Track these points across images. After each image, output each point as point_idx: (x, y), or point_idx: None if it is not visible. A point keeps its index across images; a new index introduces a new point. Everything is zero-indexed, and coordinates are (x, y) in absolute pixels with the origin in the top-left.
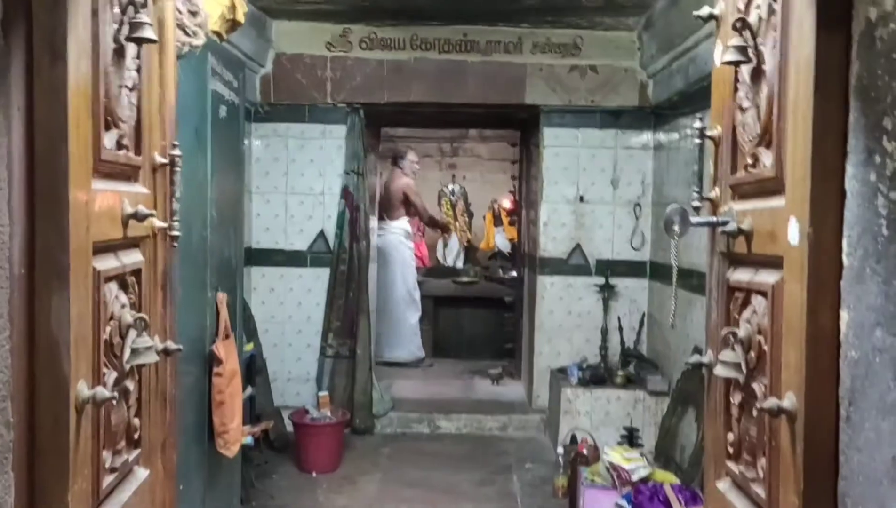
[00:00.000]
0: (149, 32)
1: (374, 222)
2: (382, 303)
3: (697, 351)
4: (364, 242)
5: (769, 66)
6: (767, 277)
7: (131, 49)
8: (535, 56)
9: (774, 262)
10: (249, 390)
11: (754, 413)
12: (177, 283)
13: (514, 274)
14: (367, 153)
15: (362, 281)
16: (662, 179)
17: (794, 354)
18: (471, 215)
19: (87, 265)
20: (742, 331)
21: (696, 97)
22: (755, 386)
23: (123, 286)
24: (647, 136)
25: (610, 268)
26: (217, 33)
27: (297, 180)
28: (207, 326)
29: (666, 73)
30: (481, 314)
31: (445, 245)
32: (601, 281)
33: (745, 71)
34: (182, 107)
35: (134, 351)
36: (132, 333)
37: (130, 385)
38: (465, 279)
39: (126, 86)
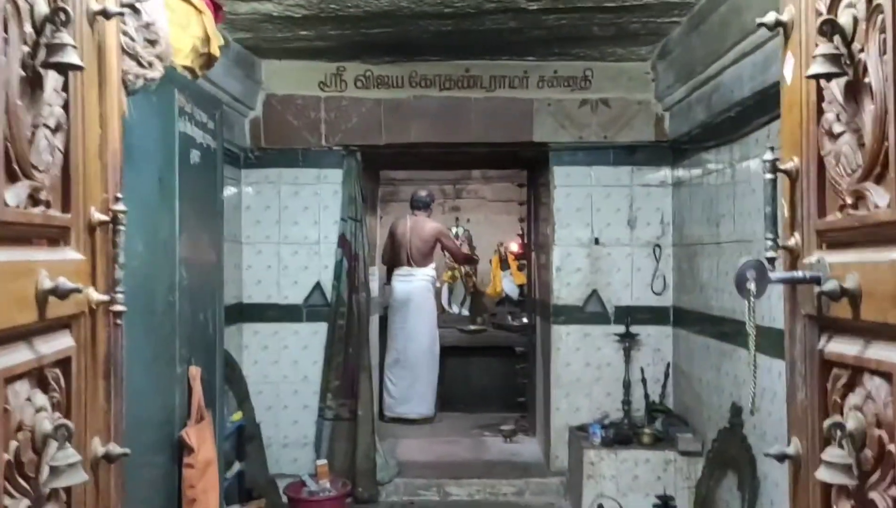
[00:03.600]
0: (72, 56)
1: (374, 271)
2: (404, 354)
3: (736, 408)
4: (364, 293)
5: (875, 77)
6: (891, 354)
7: (52, 79)
8: (542, 91)
9: None
10: (237, 466)
11: None
12: (123, 369)
13: (524, 320)
14: (365, 198)
15: (363, 336)
16: (683, 218)
17: None
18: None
19: None
20: (851, 423)
21: (720, 129)
22: (875, 496)
23: (41, 383)
24: (665, 173)
25: (630, 316)
26: (189, 69)
27: (291, 229)
28: (177, 407)
29: (685, 105)
30: (490, 364)
31: (451, 291)
32: (621, 329)
33: (835, 87)
34: (141, 152)
35: (54, 470)
36: (53, 445)
37: None
38: (472, 327)
39: (46, 126)
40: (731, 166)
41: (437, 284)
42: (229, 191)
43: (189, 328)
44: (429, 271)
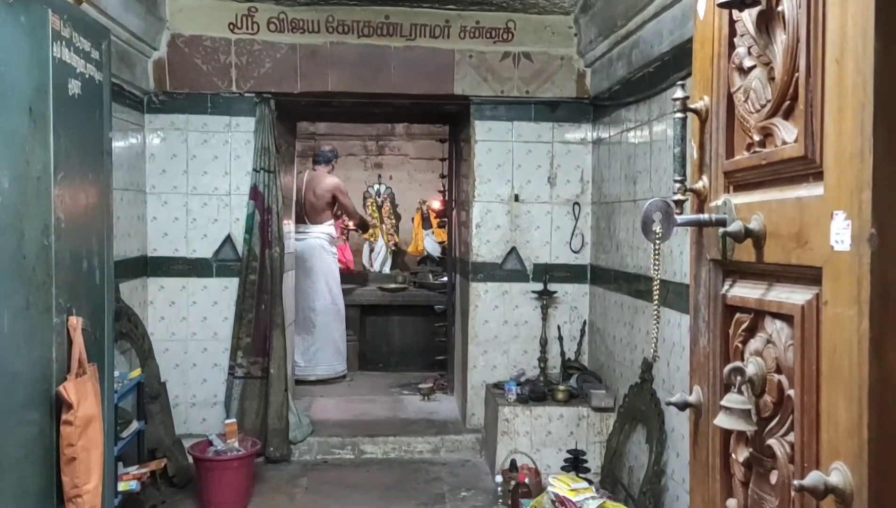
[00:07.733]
0: None
1: (289, 226)
2: (304, 314)
3: (647, 364)
4: (277, 248)
5: (789, 4)
6: (792, 295)
7: None
8: (464, 42)
9: (804, 275)
10: (136, 425)
11: (773, 479)
12: None
13: (445, 279)
14: (279, 148)
15: (276, 292)
16: (602, 176)
17: (844, 407)
18: (398, 217)
19: None
20: (751, 368)
21: (639, 86)
22: (773, 443)
23: None
24: (585, 130)
25: (548, 273)
26: None
27: (200, 179)
28: (54, 360)
29: (606, 61)
30: (411, 323)
31: (372, 249)
32: (539, 287)
33: (748, 18)
34: (6, 77)
35: None
36: None
37: None
38: (392, 285)
39: None
40: (648, 123)
41: (337, 242)
42: (132, 137)
43: (70, 275)
44: (324, 228)
